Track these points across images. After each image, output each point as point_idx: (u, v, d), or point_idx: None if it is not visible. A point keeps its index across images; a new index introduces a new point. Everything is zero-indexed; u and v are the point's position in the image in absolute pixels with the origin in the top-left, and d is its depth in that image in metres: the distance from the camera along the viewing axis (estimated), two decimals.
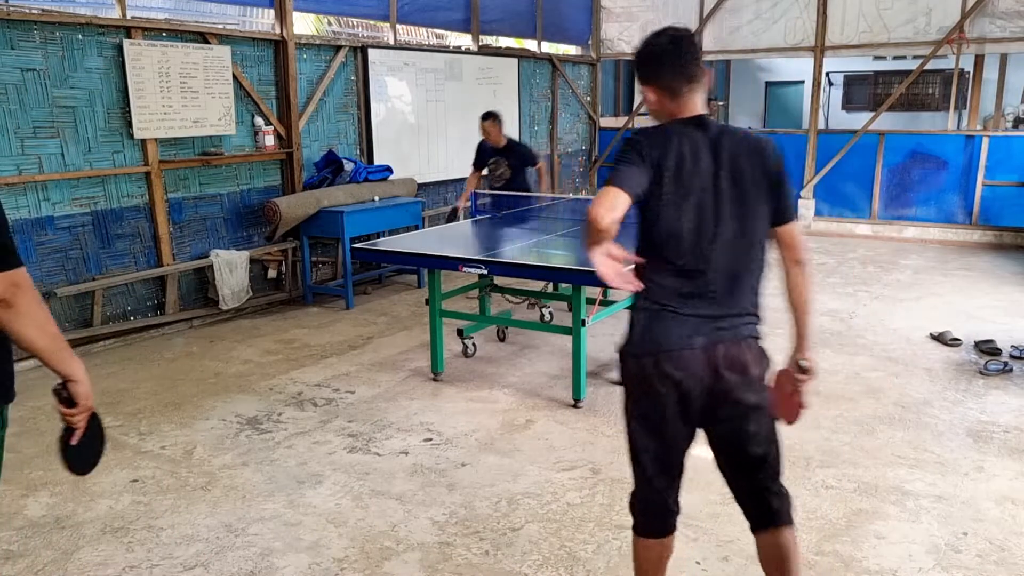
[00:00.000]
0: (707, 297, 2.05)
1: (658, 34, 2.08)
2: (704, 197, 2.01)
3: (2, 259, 1.77)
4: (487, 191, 6.34)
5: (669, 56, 2.05)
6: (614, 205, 1.90)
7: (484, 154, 6.33)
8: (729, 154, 2.03)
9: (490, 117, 6.14)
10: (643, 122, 11.67)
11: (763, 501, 2.19)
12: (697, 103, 2.07)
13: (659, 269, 2.06)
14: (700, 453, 3.64)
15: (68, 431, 1.92)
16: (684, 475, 2.23)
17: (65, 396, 1.86)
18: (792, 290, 2.17)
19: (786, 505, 2.19)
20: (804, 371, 2.17)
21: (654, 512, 2.21)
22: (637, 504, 2.23)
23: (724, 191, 2.02)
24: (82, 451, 1.96)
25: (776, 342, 2.30)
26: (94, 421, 1.98)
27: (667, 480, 2.19)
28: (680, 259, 2.04)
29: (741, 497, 2.23)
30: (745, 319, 2.10)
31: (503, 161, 6.28)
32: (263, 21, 6.60)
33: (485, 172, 6.39)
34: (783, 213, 2.11)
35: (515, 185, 6.23)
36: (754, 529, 2.23)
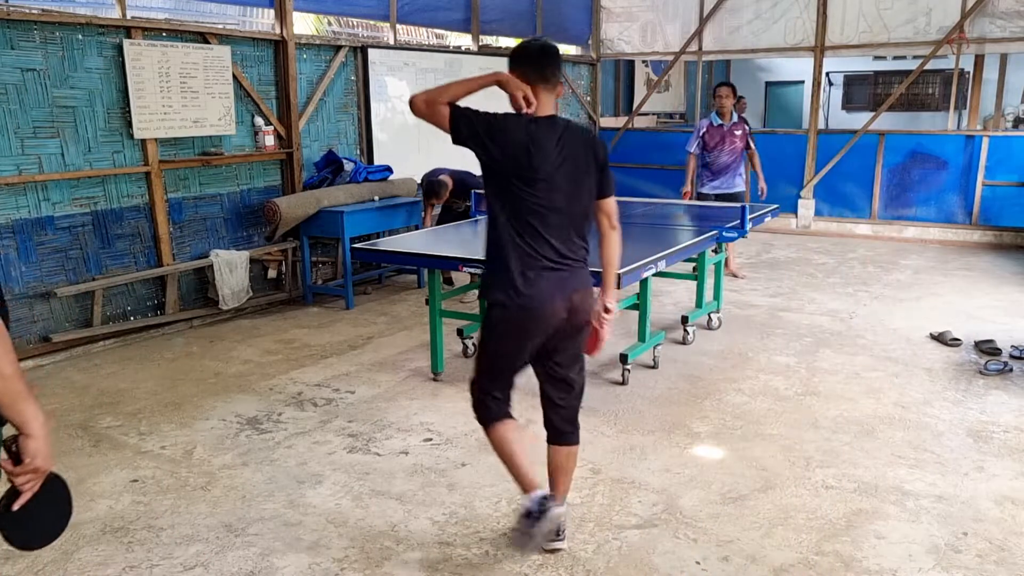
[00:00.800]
0: (561, 256, 2.66)
1: (534, 39, 2.74)
2: (553, 177, 2.61)
3: None
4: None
5: (533, 57, 2.67)
6: (433, 100, 2.65)
7: (462, 192, 6.64)
8: (569, 145, 2.65)
9: (441, 187, 6.52)
10: (643, 122, 11.69)
11: (570, 421, 2.88)
12: (548, 103, 2.67)
13: (518, 238, 2.63)
14: (700, 453, 3.65)
15: (12, 493, 1.55)
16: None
17: (15, 451, 1.53)
18: (606, 249, 2.85)
19: (578, 432, 2.91)
20: (608, 311, 2.83)
21: (497, 402, 2.80)
22: (483, 400, 2.79)
23: (566, 172, 2.64)
24: (29, 520, 1.59)
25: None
26: (55, 487, 1.65)
27: (509, 383, 2.82)
28: (538, 228, 2.62)
29: (550, 413, 2.88)
30: (585, 270, 2.76)
31: (459, 199, 6.64)
32: (263, 21, 6.60)
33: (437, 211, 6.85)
34: (605, 189, 2.78)
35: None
36: (551, 441, 2.88)
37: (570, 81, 10.56)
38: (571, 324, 2.71)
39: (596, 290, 2.85)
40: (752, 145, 7.08)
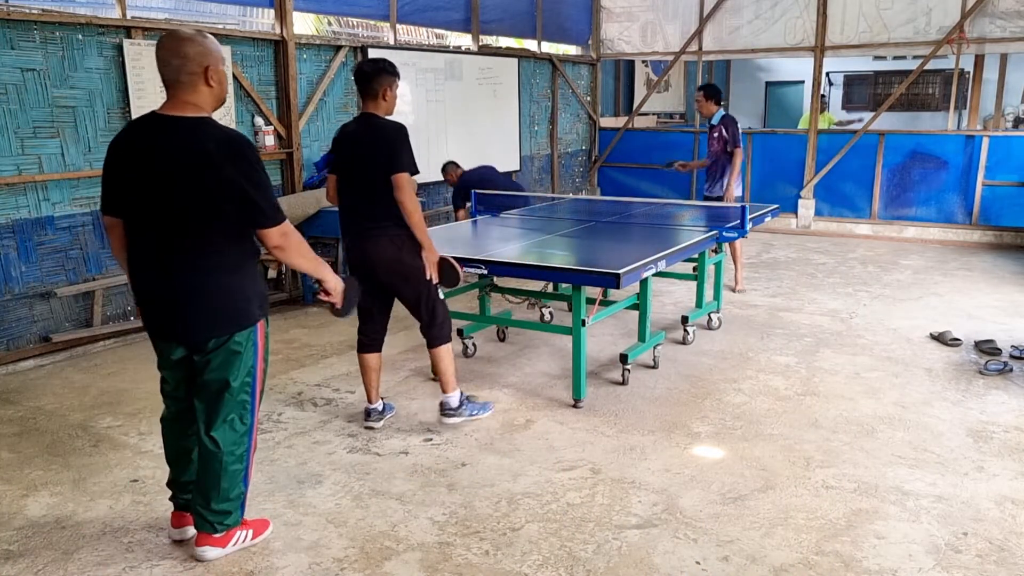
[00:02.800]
0: (362, 222, 3.69)
1: (364, 63, 3.70)
2: (354, 162, 3.67)
3: (273, 216, 2.56)
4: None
5: (360, 76, 3.69)
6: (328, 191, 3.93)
7: (457, 193, 6.92)
8: (367, 133, 3.66)
9: (448, 167, 7.11)
10: (643, 122, 11.70)
11: (426, 334, 3.92)
12: (370, 107, 3.69)
13: (344, 209, 3.77)
14: (700, 453, 3.65)
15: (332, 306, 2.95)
16: (382, 317, 3.98)
17: (320, 288, 2.88)
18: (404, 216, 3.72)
19: (435, 340, 3.89)
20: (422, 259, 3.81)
21: (365, 337, 3.97)
22: (359, 333, 3.98)
23: (362, 157, 3.62)
24: (342, 308, 2.95)
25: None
26: (352, 284, 2.98)
27: (370, 317, 3.93)
28: (352, 201, 3.71)
29: (420, 329, 3.93)
30: (386, 228, 3.66)
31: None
32: (263, 21, 6.60)
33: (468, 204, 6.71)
34: (391, 167, 3.58)
35: None
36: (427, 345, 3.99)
37: (570, 81, 10.56)
38: (382, 271, 3.71)
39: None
40: (730, 147, 6.45)
